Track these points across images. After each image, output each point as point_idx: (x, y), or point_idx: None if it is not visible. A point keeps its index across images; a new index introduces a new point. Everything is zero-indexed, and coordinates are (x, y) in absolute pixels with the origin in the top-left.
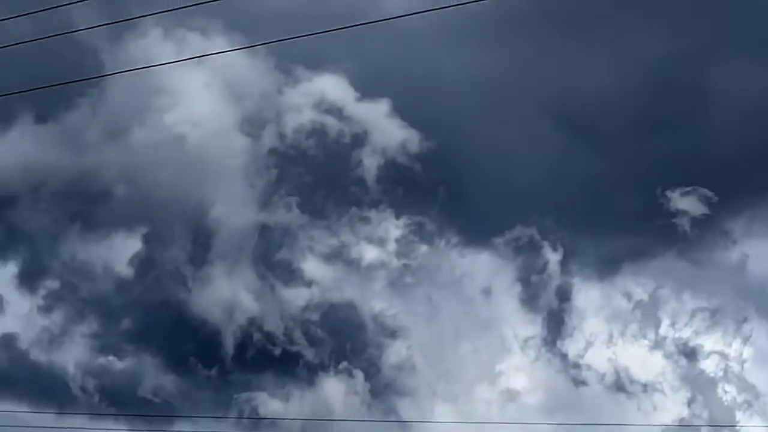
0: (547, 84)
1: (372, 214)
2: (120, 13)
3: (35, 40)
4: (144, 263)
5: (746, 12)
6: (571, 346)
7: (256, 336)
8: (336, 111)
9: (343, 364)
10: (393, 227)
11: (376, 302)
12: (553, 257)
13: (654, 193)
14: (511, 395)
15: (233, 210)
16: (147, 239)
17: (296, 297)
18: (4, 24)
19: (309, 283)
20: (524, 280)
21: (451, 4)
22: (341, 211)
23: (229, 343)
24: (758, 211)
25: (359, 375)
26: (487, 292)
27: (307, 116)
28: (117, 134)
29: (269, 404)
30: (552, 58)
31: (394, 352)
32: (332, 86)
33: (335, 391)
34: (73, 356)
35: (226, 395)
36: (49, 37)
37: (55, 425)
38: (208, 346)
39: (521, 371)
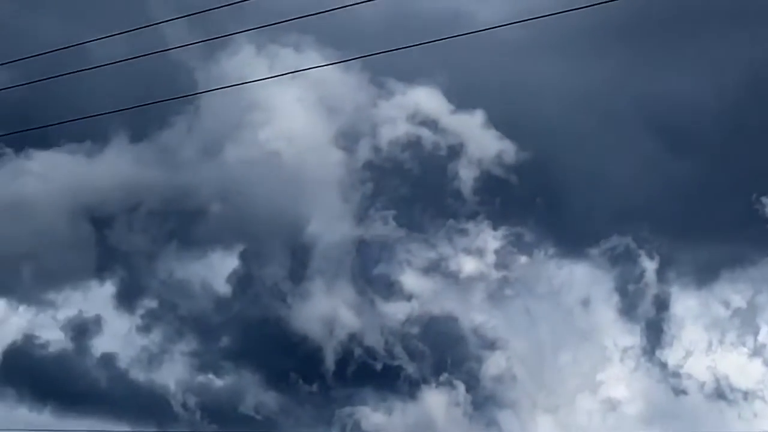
0: (640, 91)
1: (469, 226)
2: (213, 31)
3: (129, 59)
4: (242, 280)
5: None
6: (671, 355)
7: (357, 351)
8: (431, 123)
9: (444, 377)
10: (491, 239)
11: (476, 314)
12: (649, 266)
13: (749, 199)
14: (611, 405)
15: (330, 225)
16: (244, 256)
17: (396, 311)
18: (99, 43)
19: (408, 297)
20: (622, 290)
21: (543, 14)
22: (438, 224)
23: (329, 359)
24: None
25: (460, 387)
26: (585, 302)
27: (402, 129)
28: (212, 151)
29: (371, 418)
30: (645, 65)
31: (494, 364)
32: (426, 98)
33: (437, 403)
34: (172, 375)
35: (328, 411)
36: (142, 56)
37: None
38: (308, 362)
39: (621, 381)
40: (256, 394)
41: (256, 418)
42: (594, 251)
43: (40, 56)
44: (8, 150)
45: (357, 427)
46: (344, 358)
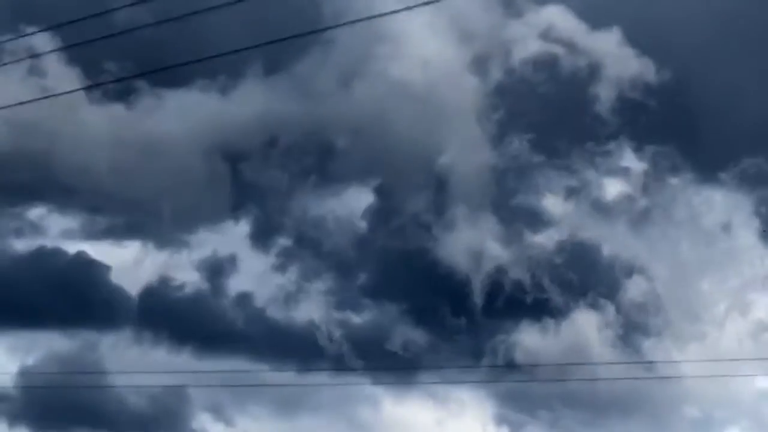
0: None
1: (611, 147)
2: None
3: None
4: (378, 215)
5: None
6: None
7: (505, 282)
8: (565, 42)
9: (590, 302)
10: (632, 161)
11: (618, 239)
12: None
13: None
14: (763, 327)
15: (466, 154)
16: (380, 190)
17: (540, 239)
18: None
19: (551, 224)
20: (762, 214)
21: None
22: (577, 148)
23: (478, 291)
24: None
25: (610, 308)
26: (726, 227)
27: (535, 48)
28: (346, 84)
29: (525, 343)
30: None
31: (637, 290)
32: (559, 17)
33: (587, 326)
34: (310, 313)
35: (477, 345)
36: None
37: (295, 383)
38: (456, 297)
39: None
40: (403, 332)
41: (404, 355)
42: (732, 174)
43: None
44: (144, 86)
45: (510, 354)
46: (492, 290)
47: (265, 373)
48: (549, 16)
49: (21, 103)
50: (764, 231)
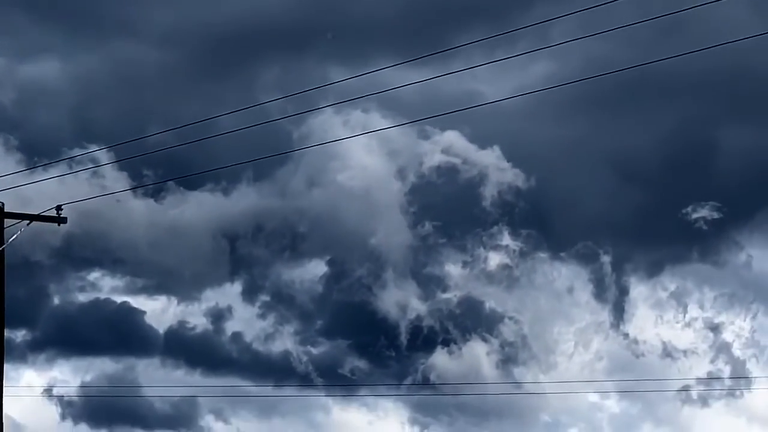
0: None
1: (494, 231)
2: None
3: (251, 126)
4: (331, 279)
5: None
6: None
7: (423, 325)
8: (460, 157)
9: (479, 338)
10: (508, 241)
11: (497, 296)
12: (607, 261)
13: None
14: (597, 358)
15: (392, 236)
16: (331, 263)
17: (445, 296)
18: (231, 116)
19: (452, 286)
20: (593, 280)
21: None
22: (470, 232)
23: (403, 332)
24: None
25: (493, 342)
26: (570, 289)
27: (439, 160)
28: (309, 187)
29: (437, 366)
30: (610, 123)
31: (510, 331)
32: (456, 139)
33: (478, 353)
34: (283, 346)
35: (403, 369)
36: (261, 123)
37: (272, 395)
38: (388, 335)
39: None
40: (350, 360)
41: (350, 376)
42: (571, 252)
43: (191, 125)
44: (171, 187)
45: (426, 375)
46: (414, 331)
47: (251, 387)
48: (449, 138)
49: (85, 199)
50: None
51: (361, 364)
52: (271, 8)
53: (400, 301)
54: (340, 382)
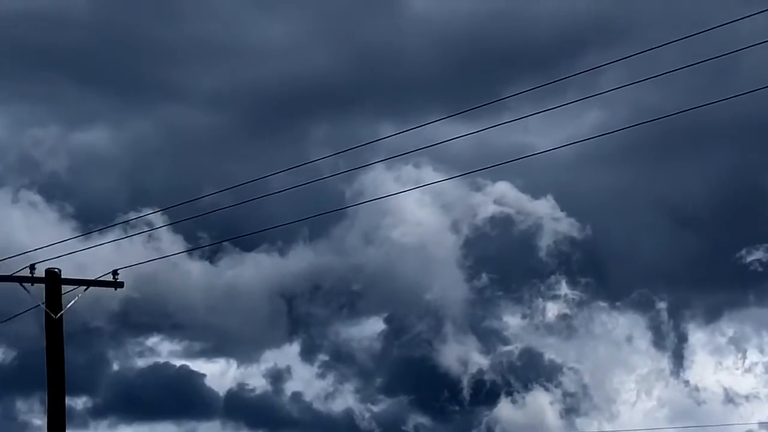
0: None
1: (551, 281)
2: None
3: (303, 184)
4: (389, 336)
5: None
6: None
7: (485, 378)
8: (514, 208)
9: (540, 389)
10: (565, 291)
11: (557, 346)
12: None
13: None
14: (660, 405)
15: (449, 290)
16: (389, 319)
17: (505, 349)
18: (282, 175)
19: (511, 338)
20: (652, 328)
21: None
22: (526, 283)
23: (466, 386)
24: None
25: (555, 391)
26: (629, 338)
27: (492, 211)
28: (364, 245)
29: (501, 418)
30: (664, 170)
31: (570, 381)
32: (508, 190)
33: (542, 403)
34: (342, 405)
35: (467, 423)
36: (311, 182)
37: None
38: (451, 390)
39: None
40: (412, 416)
41: None
42: (627, 301)
43: (243, 185)
44: (226, 248)
45: (491, 428)
46: (476, 385)
47: None
48: (500, 189)
49: (141, 263)
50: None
51: (423, 419)
52: (318, 66)
53: (461, 355)
54: None
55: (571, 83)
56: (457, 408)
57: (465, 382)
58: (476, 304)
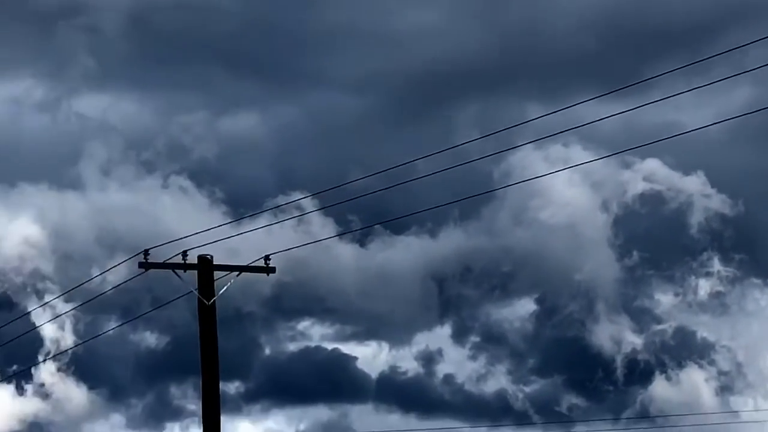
0: None
1: (703, 258)
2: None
3: (452, 167)
4: (540, 317)
5: None
6: None
7: (639, 358)
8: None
9: (694, 366)
10: (718, 268)
11: (710, 324)
12: None
13: None
14: None
15: (600, 270)
16: (540, 300)
17: (658, 328)
18: (428, 159)
19: (664, 316)
20: None
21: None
22: (678, 261)
23: (620, 366)
24: None
25: (709, 369)
26: None
27: (642, 188)
28: (514, 226)
29: (655, 397)
30: None
31: (723, 359)
32: (657, 167)
33: (696, 380)
34: (494, 387)
35: (621, 403)
36: (457, 165)
37: None
38: (605, 370)
39: None
40: (566, 397)
41: (566, 413)
42: None
43: (392, 169)
44: (377, 231)
45: (645, 407)
46: (630, 365)
47: (466, 428)
48: (650, 166)
49: (293, 247)
50: None
51: (577, 399)
52: (465, 49)
53: (614, 334)
54: (556, 419)
55: (720, 60)
56: (611, 388)
57: (618, 361)
58: (628, 283)
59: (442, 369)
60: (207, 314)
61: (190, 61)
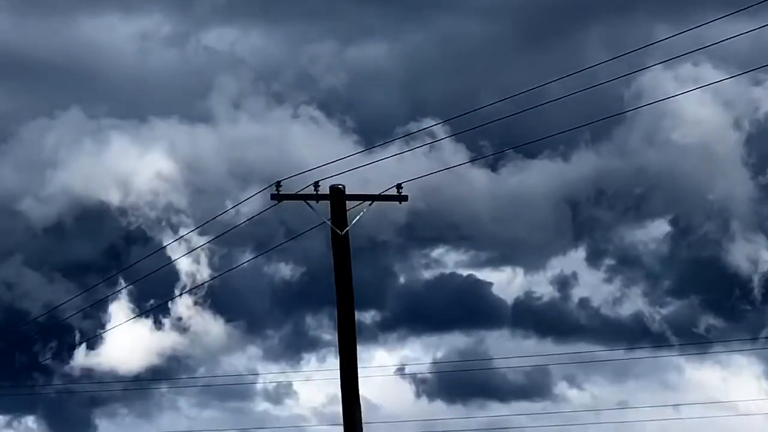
0: None
1: None
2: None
3: (580, 91)
4: (675, 238)
5: None
6: None
7: None
8: None
9: None
10: None
11: None
12: None
13: None
14: None
15: (733, 189)
16: (674, 222)
17: None
18: (558, 82)
19: None
20: None
21: None
22: None
23: (757, 286)
24: None
25: None
26: None
27: None
28: (645, 147)
29: None
30: None
31: None
32: None
33: None
34: (630, 310)
35: (758, 323)
36: (587, 88)
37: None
38: (741, 290)
39: None
40: (702, 318)
41: (700, 333)
42: None
43: (523, 93)
44: (509, 156)
45: None
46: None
47: (603, 351)
48: None
49: (425, 175)
50: None
51: (713, 320)
52: None
53: (750, 254)
54: (691, 341)
55: None
56: (748, 307)
57: (756, 280)
58: (763, 201)
59: (577, 293)
60: (340, 244)
61: None
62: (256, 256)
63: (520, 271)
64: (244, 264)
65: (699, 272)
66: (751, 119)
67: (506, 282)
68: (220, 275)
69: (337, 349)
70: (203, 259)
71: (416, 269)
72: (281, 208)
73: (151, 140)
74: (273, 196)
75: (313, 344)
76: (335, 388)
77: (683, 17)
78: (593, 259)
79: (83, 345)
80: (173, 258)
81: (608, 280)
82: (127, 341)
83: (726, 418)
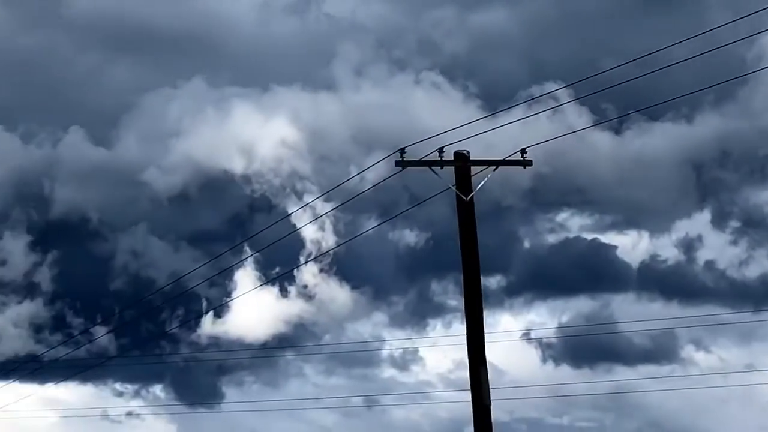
0: None
1: None
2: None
3: (700, 54)
4: None
5: None
6: None
7: None
8: None
9: None
10: None
11: None
12: None
13: None
14: None
15: None
16: None
17: None
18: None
19: None
20: None
21: None
22: None
23: None
24: None
25: None
26: None
27: None
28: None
29: None
30: None
31: None
32: None
33: None
34: (758, 271)
35: None
36: (709, 51)
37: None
38: None
39: None
40: None
41: None
42: None
43: (646, 56)
44: (633, 119)
45: None
46: None
47: (729, 314)
48: None
49: (549, 139)
50: None
51: None
52: None
53: None
54: None
55: None
56: None
57: None
58: None
59: (702, 255)
60: (465, 210)
61: None
62: (381, 223)
63: (645, 234)
64: (369, 231)
65: None
66: None
67: (631, 245)
68: (345, 242)
69: (464, 315)
70: (328, 226)
71: (541, 234)
72: (405, 175)
73: (273, 108)
74: (397, 163)
75: (438, 310)
76: (461, 354)
77: None
78: (718, 221)
79: (210, 313)
80: (298, 225)
81: (734, 243)
82: (253, 309)
83: None
